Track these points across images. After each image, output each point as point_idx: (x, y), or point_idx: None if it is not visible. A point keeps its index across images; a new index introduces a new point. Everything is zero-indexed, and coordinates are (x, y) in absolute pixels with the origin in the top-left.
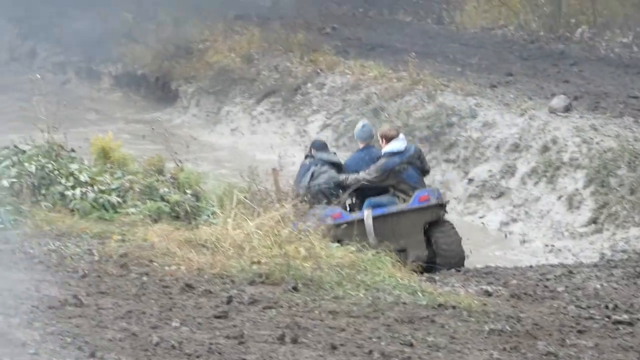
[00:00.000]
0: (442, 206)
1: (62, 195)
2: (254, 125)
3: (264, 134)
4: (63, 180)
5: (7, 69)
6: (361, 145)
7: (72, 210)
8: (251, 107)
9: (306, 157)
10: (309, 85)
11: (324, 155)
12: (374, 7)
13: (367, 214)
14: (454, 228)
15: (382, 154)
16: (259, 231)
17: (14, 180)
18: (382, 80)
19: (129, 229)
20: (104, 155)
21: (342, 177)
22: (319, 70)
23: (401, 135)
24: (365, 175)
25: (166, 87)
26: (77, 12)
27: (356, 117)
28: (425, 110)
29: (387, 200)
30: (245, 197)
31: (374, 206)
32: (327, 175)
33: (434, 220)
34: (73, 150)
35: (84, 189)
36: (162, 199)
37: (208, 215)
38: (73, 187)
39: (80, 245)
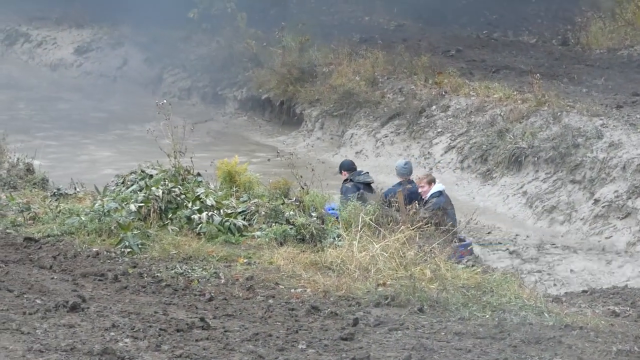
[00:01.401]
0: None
1: (189, 219)
2: (378, 147)
3: (388, 156)
4: (189, 204)
5: (135, 94)
6: (400, 180)
7: (199, 234)
8: (375, 130)
9: (345, 181)
10: (434, 107)
11: (361, 178)
12: (499, 29)
13: None
14: None
15: (430, 195)
16: (384, 253)
17: (142, 204)
18: (507, 101)
19: (255, 252)
20: (230, 178)
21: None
22: (443, 93)
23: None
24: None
25: (291, 111)
26: (202, 37)
27: (481, 139)
28: (550, 132)
29: None
30: (370, 219)
31: None
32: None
33: None
34: (199, 174)
35: (210, 213)
36: (288, 222)
37: (333, 238)
38: (199, 211)
39: (206, 269)
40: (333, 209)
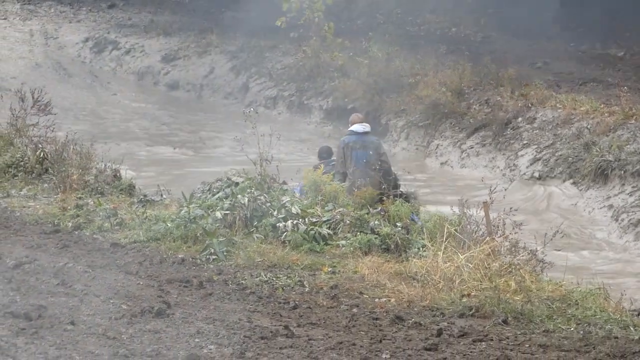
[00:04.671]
0: None
1: (274, 227)
2: (464, 158)
3: (473, 167)
4: (275, 212)
5: (222, 103)
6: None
7: (284, 242)
8: (461, 141)
9: (315, 168)
10: (520, 119)
11: (327, 168)
12: (586, 41)
13: None
14: None
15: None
16: (469, 264)
17: (227, 212)
18: (594, 114)
19: (340, 261)
20: (316, 187)
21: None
22: (529, 105)
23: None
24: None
25: (376, 121)
26: (289, 46)
27: (567, 151)
28: (637, 145)
29: None
30: (455, 230)
31: None
32: None
33: None
34: (285, 183)
35: (295, 221)
36: (373, 231)
37: (418, 248)
38: (284, 219)
39: (291, 277)
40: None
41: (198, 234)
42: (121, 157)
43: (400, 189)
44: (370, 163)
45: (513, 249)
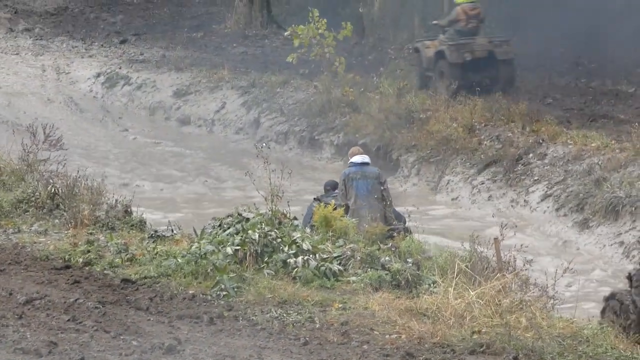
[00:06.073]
0: None
1: (285, 262)
2: (475, 194)
3: (484, 203)
4: (285, 248)
5: (233, 138)
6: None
7: (294, 278)
8: (472, 177)
9: (314, 199)
10: (531, 155)
11: (327, 200)
12: (597, 77)
13: None
14: None
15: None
16: (479, 300)
17: (238, 247)
18: (604, 150)
19: (350, 297)
20: (326, 223)
21: None
22: (540, 140)
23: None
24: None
25: (387, 156)
26: (300, 82)
27: (578, 187)
28: None
29: None
30: (466, 266)
31: None
32: None
33: None
34: (295, 219)
35: (305, 257)
36: (383, 267)
37: (429, 284)
38: (295, 255)
39: (301, 313)
40: None
41: (209, 270)
42: (132, 193)
43: (401, 223)
44: (372, 192)
45: (524, 285)
